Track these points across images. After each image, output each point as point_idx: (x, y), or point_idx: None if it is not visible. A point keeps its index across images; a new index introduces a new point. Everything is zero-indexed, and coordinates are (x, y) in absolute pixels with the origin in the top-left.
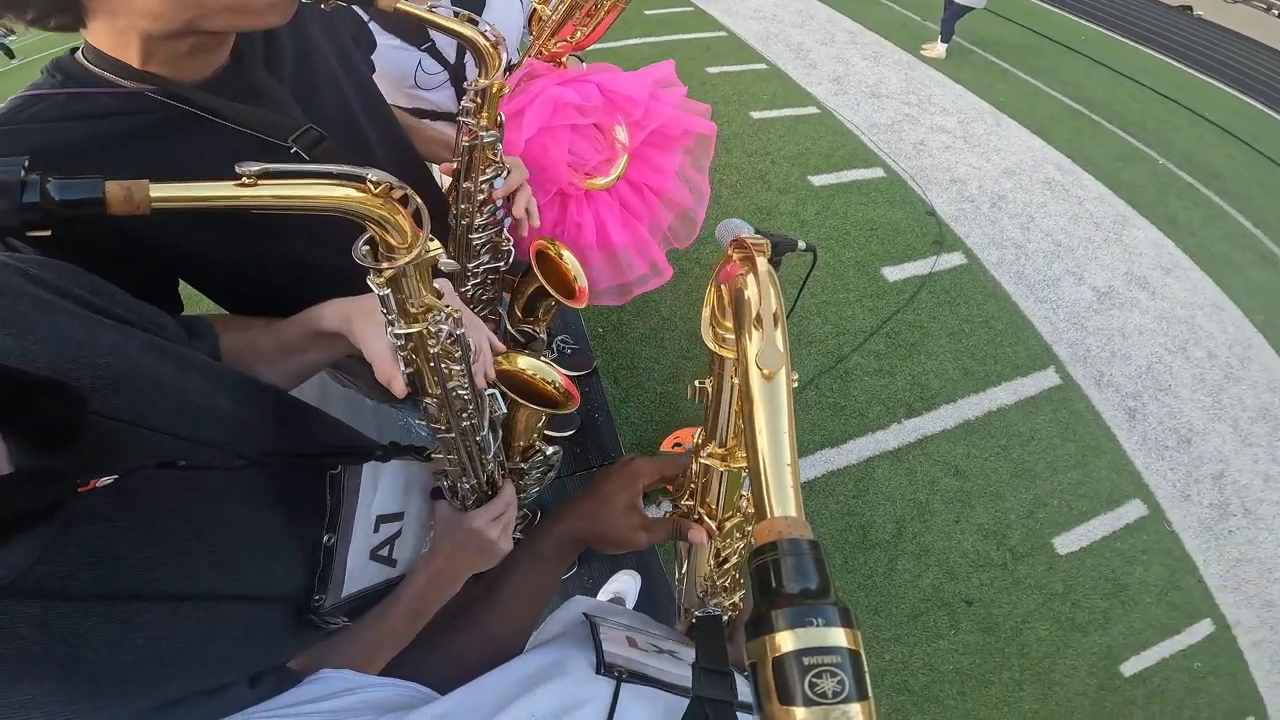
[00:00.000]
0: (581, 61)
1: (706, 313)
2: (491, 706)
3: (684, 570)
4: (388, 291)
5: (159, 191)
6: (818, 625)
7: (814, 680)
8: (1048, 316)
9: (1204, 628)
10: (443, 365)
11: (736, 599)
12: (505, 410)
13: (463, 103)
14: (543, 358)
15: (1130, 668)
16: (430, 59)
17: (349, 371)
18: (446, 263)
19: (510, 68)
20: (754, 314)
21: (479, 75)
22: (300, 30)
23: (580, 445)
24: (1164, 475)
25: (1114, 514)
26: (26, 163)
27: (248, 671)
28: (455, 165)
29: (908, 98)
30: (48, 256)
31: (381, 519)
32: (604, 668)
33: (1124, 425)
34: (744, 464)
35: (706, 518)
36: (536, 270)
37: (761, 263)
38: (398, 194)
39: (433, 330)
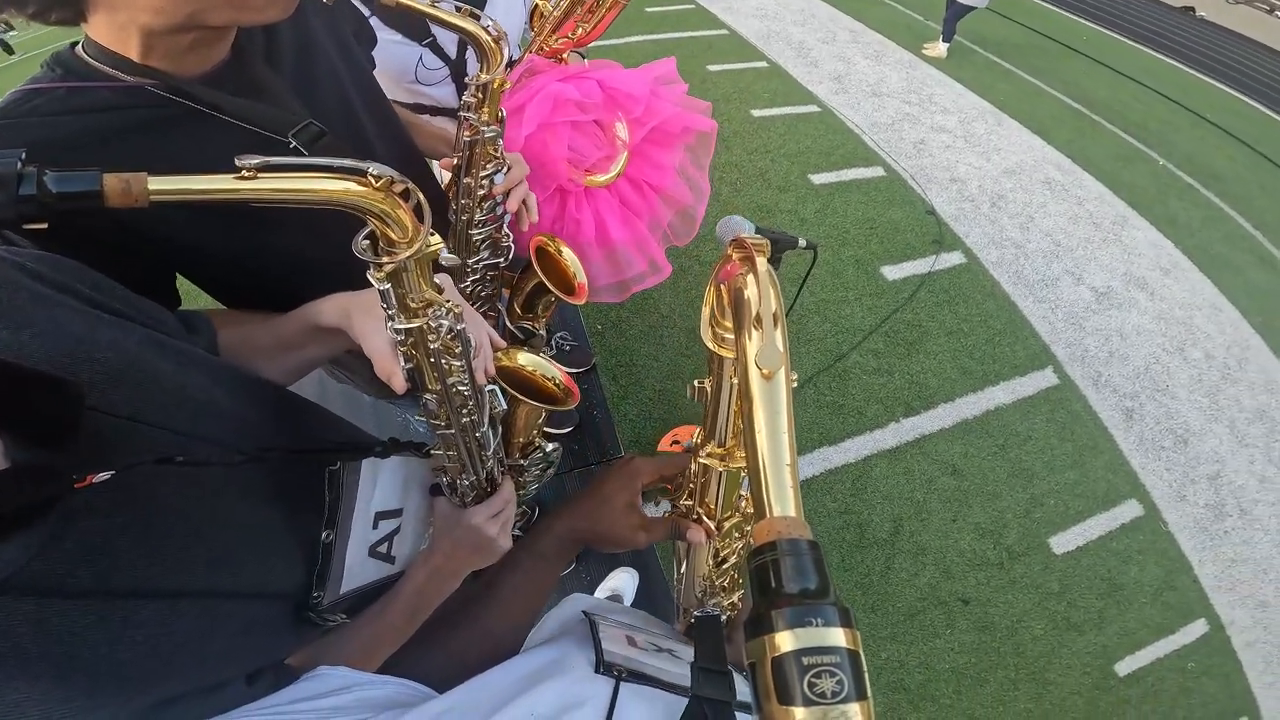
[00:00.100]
0: (583, 58)
1: (706, 312)
2: (490, 705)
3: (683, 570)
4: (388, 286)
5: (157, 184)
6: (817, 625)
7: (813, 680)
8: (1046, 316)
9: (1198, 628)
10: (443, 361)
11: (735, 599)
12: (505, 406)
13: (464, 98)
14: (542, 354)
15: (1124, 667)
16: (431, 54)
17: (347, 368)
18: (448, 257)
19: (511, 64)
20: (754, 314)
21: (480, 70)
22: (301, 25)
23: (579, 442)
24: (1160, 475)
25: (1110, 514)
26: (23, 155)
27: (246, 669)
28: (455, 160)
29: (909, 97)
30: (45, 250)
31: (380, 515)
32: (603, 667)
33: (1121, 425)
34: (743, 464)
35: (705, 517)
36: (536, 266)
37: (761, 263)
38: (399, 188)
39: (433, 325)
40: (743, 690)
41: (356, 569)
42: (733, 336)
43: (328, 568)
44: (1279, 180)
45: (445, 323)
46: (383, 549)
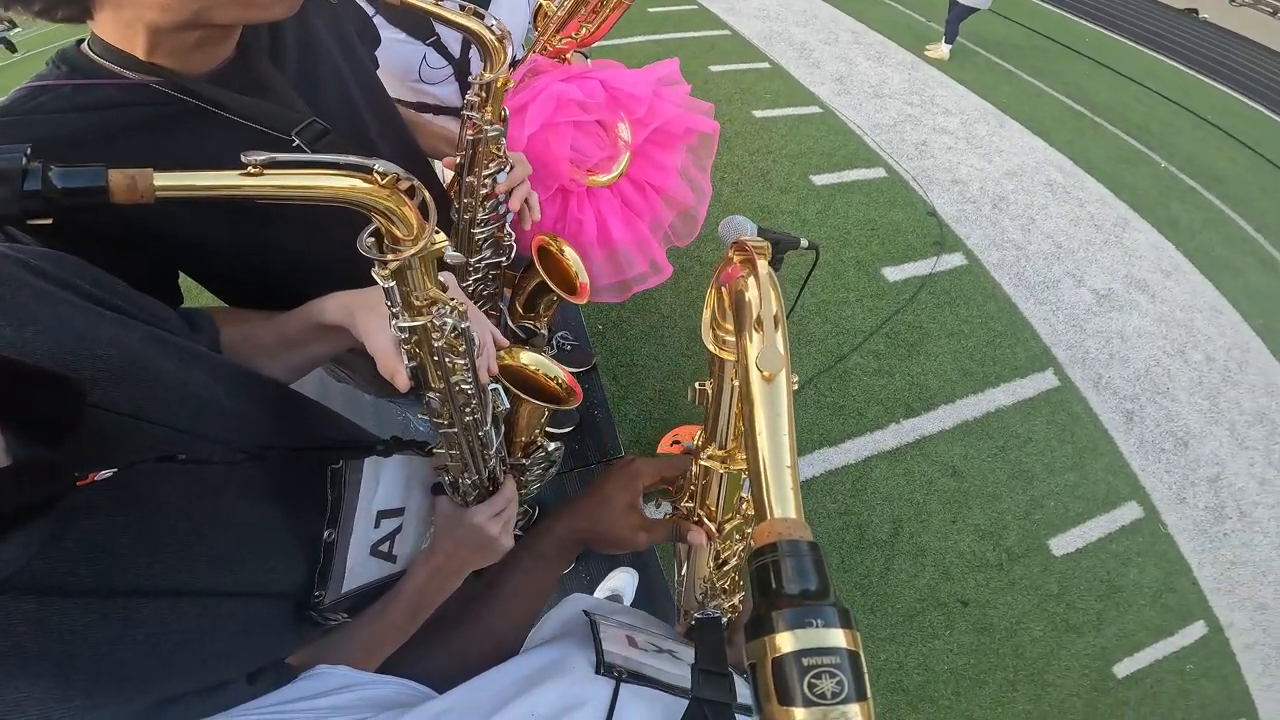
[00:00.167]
0: (586, 58)
1: (707, 315)
2: (490, 705)
3: (683, 572)
4: (392, 284)
5: (163, 180)
6: (817, 626)
7: (813, 681)
8: (1047, 318)
9: (1197, 630)
10: (447, 359)
11: (736, 601)
12: (508, 405)
13: (467, 97)
14: (544, 353)
15: (1123, 669)
16: (435, 53)
17: (348, 366)
18: (452, 255)
19: (515, 63)
20: (754, 316)
21: (484, 69)
22: (304, 23)
23: (579, 442)
24: (1160, 478)
25: (1110, 516)
26: (28, 150)
27: (247, 668)
28: (458, 159)
29: (910, 98)
30: (49, 246)
31: (382, 514)
32: (603, 667)
33: (1121, 427)
34: (744, 466)
35: (706, 520)
36: (538, 266)
37: (762, 265)
38: (404, 185)
39: (437, 324)
40: (743, 692)
41: (358, 568)
42: (734, 339)
43: (329, 566)
44: None
45: (449, 321)
46: (384, 548)
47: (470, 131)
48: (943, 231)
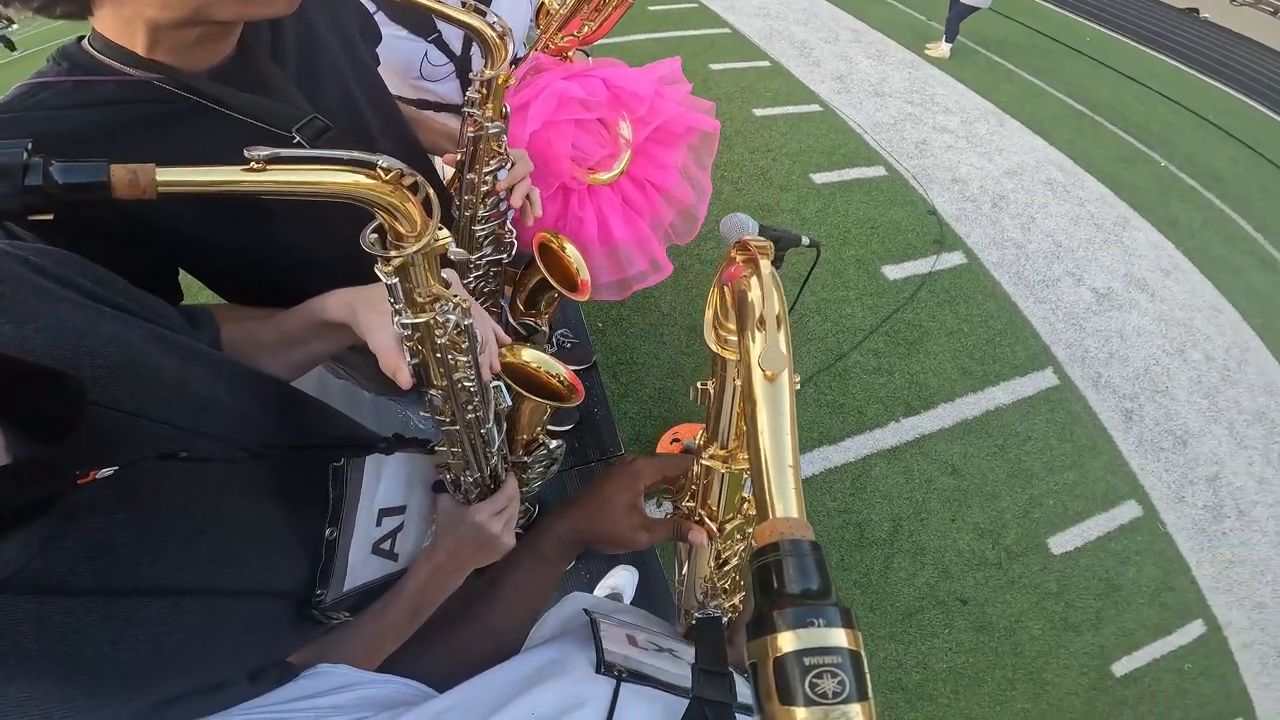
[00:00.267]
0: (587, 56)
1: (710, 314)
2: (490, 705)
3: (684, 571)
4: (396, 280)
5: (165, 176)
6: (819, 626)
7: (815, 680)
8: (1047, 317)
9: (1195, 629)
10: (449, 356)
11: (736, 600)
12: (510, 403)
13: (468, 93)
14: (544, 351)
15: (1122, 668)
16: (436, 50)
17: (348, 364)
18: (456, 251)
19: (516, 61)
20: (757, 316)
21: (485, 66)
22: (304, 20)
23: (579, 440)
24: (1159, 477)
25: (1109, 514)
26: (29, 145)
27: (249, 667)
28: (459, 156)
29: (911, 97)
30: (50, 243)
31: (384, 512)
32: (604, 667)
33: (1120, 426)
34: (745, 466)
35: (707, 519)
36: (539, 263)
37: (765, 265)
38: (408, 181)
39: (440, 320)
40: (743, 692)
41: (359, 566)
42: (736, 338)
43: (331, 565)
44: (1279, 182)
45: (452, 317)
46: (386, 546)
47: (471, 128)
48: (943, 230)
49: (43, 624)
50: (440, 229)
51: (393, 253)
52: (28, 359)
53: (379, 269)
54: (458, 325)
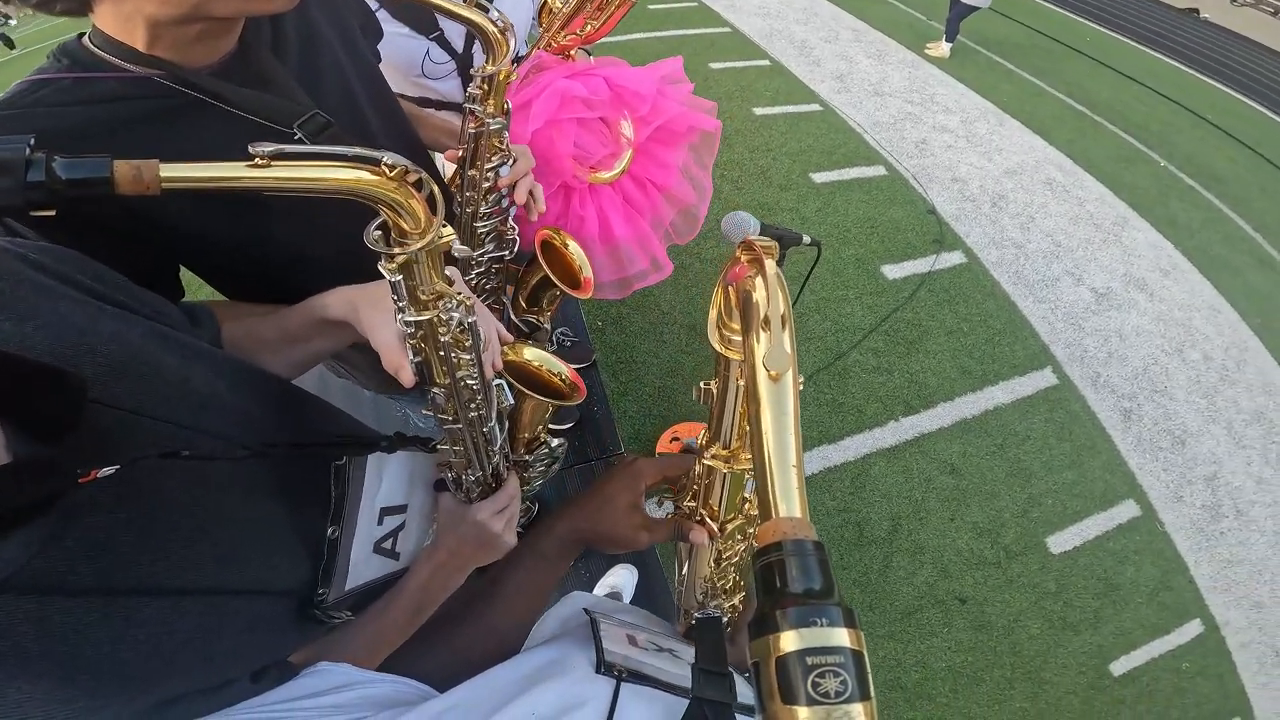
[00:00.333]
0: (589, 55)
1: (713, 314)
2: (491, 704)
3: (684, 571)
4: (399, 278)
5: (169, 172)
6: (821, 625)
7: (817, 680)
8: (1046, 317)
9: (1193, 628)
10: (452, 354)
11: (736, 601)
12: (512, 401)
13: (469, 89)
14: (546, 349)
15: (1120, 667)
16: (438, 48)
17: (349, 362)
18: (460, 249)
19: (518, 59)
20: (762, 316)
21: (487, 62)
22: (305, 16)
23: (579, 438)
24: (1158, 476)
25: (1107, 514)
26: (32, 140)
27: (251, 667)
28: (460, 152)
29: (911, 96)
30: (51, 239)
31: (385, 511)
32: (604, 667)
33: (1119, 426)
34: (747, 466)
35: (708, 519)
36: (541, 260)
37: (770, 265)
38: (412, 178)
39: (443, 318)
40: (743, 692)
41: (361, 565)
42: (740, 338)
43: (333, 564)
44: (1279, 182)
45: (456, 315)
46: (387, 545)
47: (473, 124)
48: (942, 229)
49: (43, 624)
50: (444, 226)
51: (396, 250)
52: (28, 357)
53: (383, 266)
54: (461, 323)
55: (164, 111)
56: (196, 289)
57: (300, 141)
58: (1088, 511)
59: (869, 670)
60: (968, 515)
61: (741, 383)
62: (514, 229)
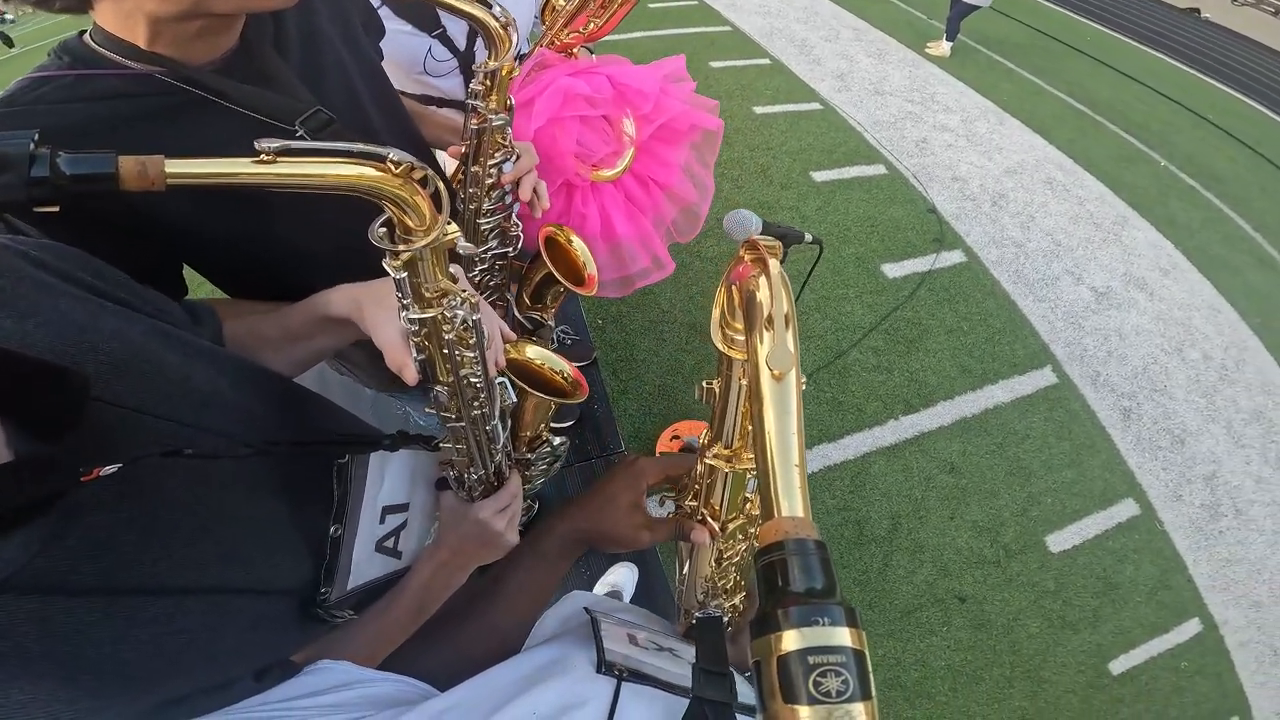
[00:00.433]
0: (591, 53)
1: (716, 313)
2: (491, 704)
3: (685, 571)
4: (404, 275)
5: (174, 168)
6: (823, 625)
7: (818, 679)
8: (1046, 316)
9: (1192, 627)
10: (456, 352)
11: (737, 601)
12: (515, 400)
13: (472, 85)
14: (548, 347)
15: (1118, 666)
16: (440, 46)
17: (350, 360)
18: (464, 246)
19: (521, 57)
20: (765, 315)
21: (489, 57)
22: (306, 13)
23: (579, 437)
24: (1157, 475)
25: (1106, 513)
26: (36, 136)
27: (254, 666)
28: (463, 149)
29: (911, 95)
30: (54, 236)
31: (387, 510)
32: (604, 666)
33: (1119, 425)
34: (749, 465)
35: (710, 519)
36: (545, 256)
37: (774, 264)
38: (417, 175)
39: (448, 315)
40: (744, 692)
41: (363, 564)
42: (743, 338)
43: (335, 562)
44: (1279, 182)
45: (460, 313)
46: (389, 544)
47: (475, 121)
48: (942, 228)
49: (45, 624)
50: (449, 223)
51: (401, 247)
52: (29, 354)
53: (387, 263)
54: (465, 320)
55: (166, 109)
56: (197, 286)
57: (303, 139)
58: (1087, 510)
59: (870, 670)
60: (967, 514)
61: (744, 382)
62: (517, 225)
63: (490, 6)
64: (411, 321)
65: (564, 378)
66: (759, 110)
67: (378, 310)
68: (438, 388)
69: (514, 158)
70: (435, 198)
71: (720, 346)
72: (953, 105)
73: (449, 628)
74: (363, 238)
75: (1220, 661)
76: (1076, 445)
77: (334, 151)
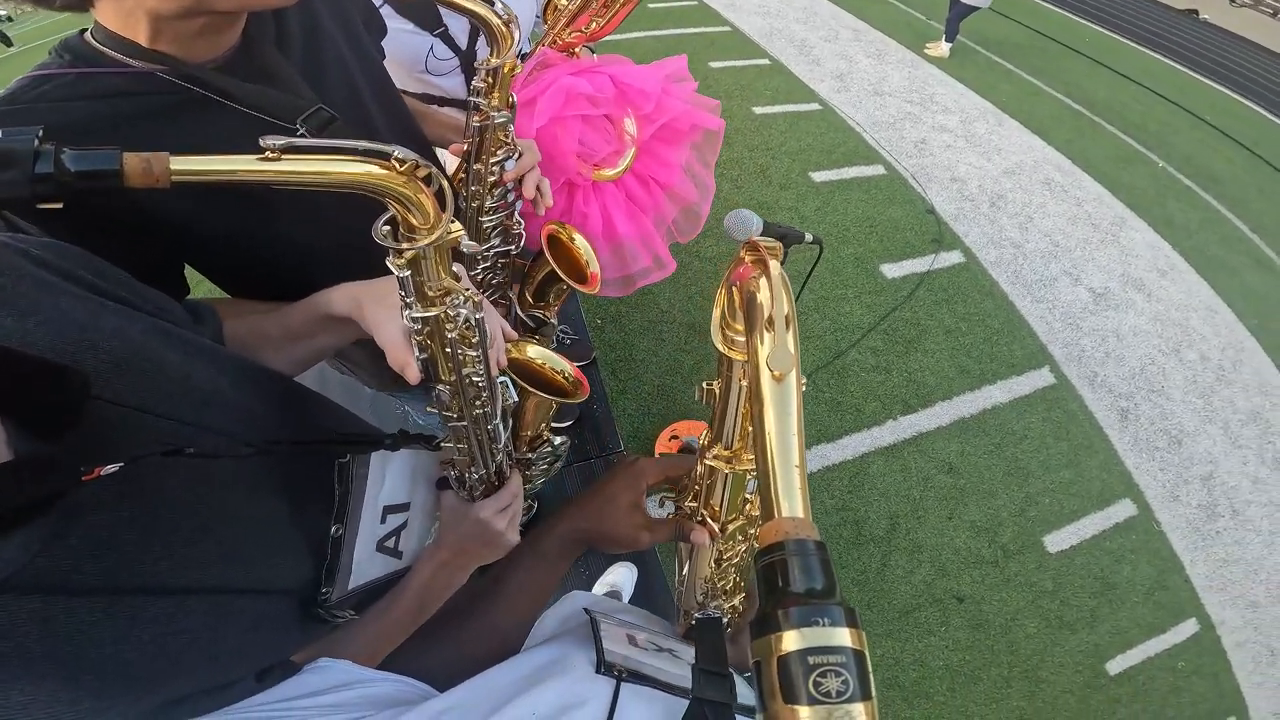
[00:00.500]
0: (592, 53)
1: (717, 314)
2: (491, 704)
3: (684, 572)
4: (408, 273)
5: (179, 165)
6: (823, 625)
7: (818, 679)
8: (1044, 316)
9: (1189, 627)
10: (459, 351)
11: (736, 602)
12: (516, 399)
13: (474, 82)
14: (549, 346)
15: (1116, 666)
16: (442, 44)
17: (349, 359)
18: (468, 244)
19: (523, 56)
20: (766, 316)
21: (491, 54)
22: (308, 11)
23: (578, 437)
24: (1154, 476)
25: (1104, 513)
26: (40, 132)
27: (255, 666)
28: (465, 146)
29: (910, 96)
30: (57, 234)
31: (388, 509)
32: (604, 666)
33: (1116, 425)
34: (749, 466)
35: (709, 519)
36: (548, 254)
37: (774, 266)
38: (422, 173)
39: (451, 314)
40: (743, 693)
41: (364, 564)
42: (743, 339)
43: (336, 562)
44: (1277, 183)
45: (463, 311)
46: (390, 544)
47: (477, 118)
48: (941, 229)
49: (47, 624)
50: (453, 222)
51: (405, 245)
52: (29, 353)
53: (391, 261)
54: (468, 319)
55: (167, 107)
56: (197, 285)
57: (304, 137)
58: (1084, 511)
59: (870, 670)
60: (965, 514)
61: (744, 383)
62: (520, 223)
63: (492, 3)
64: (415, 320)
65: (565, 377)
66: (758, 110)
67: (379, 309)
68: (440, 387)
69: (516, 155)
70: (439, 196)
71: (721, 347)
72: (952, 106)
73: (449, 627)
74: (364, 235)
75: (1217, 662)
76: (1074, 446)
77: (339, 149)
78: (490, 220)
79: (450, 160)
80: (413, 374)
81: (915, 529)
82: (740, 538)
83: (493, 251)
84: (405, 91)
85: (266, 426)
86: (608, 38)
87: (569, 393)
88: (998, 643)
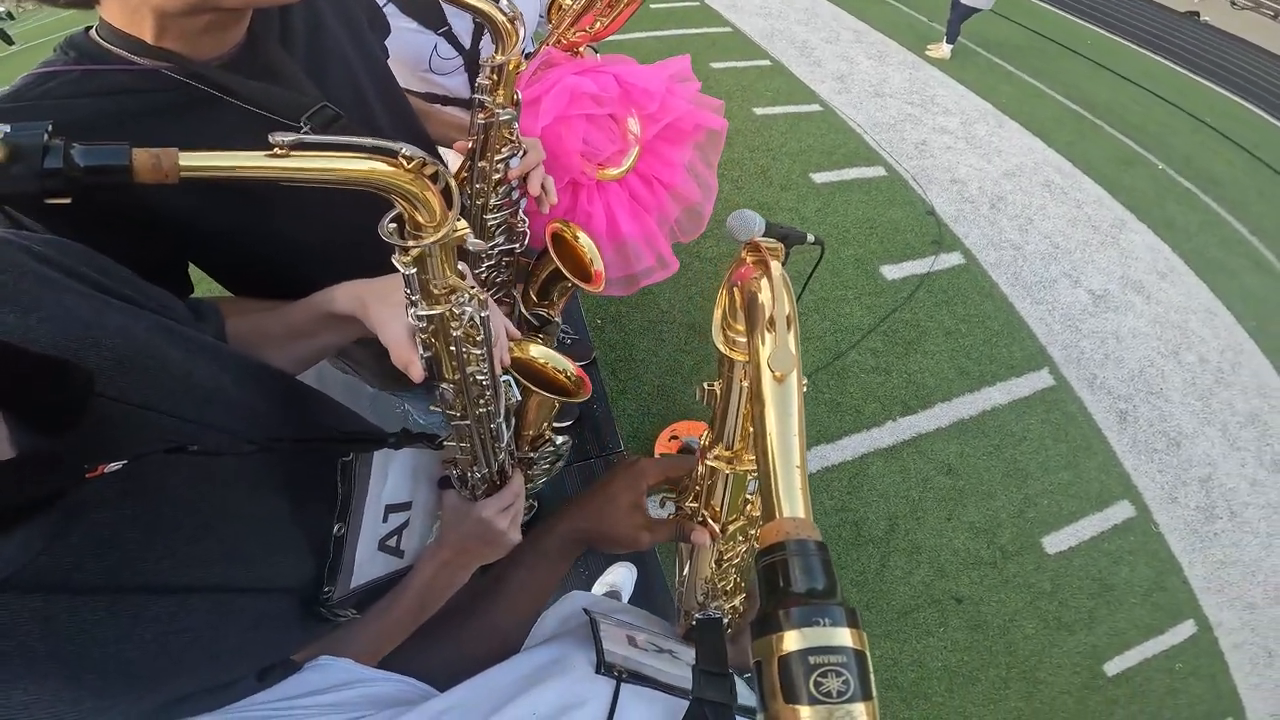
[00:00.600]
0: (596, 53)
1: (718, 315)
2: (491, 704)
3: (684, 572)
4: (413, 271)
5: (188, 160)
6: (824, 625)
7: (819, 680)
8: (1043, 318)
9: (1186, 629)
10: (463, 350)
11: (736, 602)
12: (519, 398)
13: (479, 80)
14: (551, 346)
15: (1113, 667)
16: (445, 43)
17: (351, 357)
18: (474, 243)
19: (527, 56)
20: (767, 316)
21: (496, 52)
22: (312, 9)
23: (578, 436)
24: (1153, 477)
25: (1102, 515)
26: (49, 127)
27: (257, 665)
28: (470, 144)
29: (911, 97)
30: (62, 231)
31: (390, 508)
32: (604, 667)
33: (1115, 427)
34: (750, 467)
35: (710, 520)
36: (552, 252)
37: (775, 266)
38: (429, 170)
39: (455, 312)
40: (743, 693)
41: (366, 563)
42: (744, 339)
43: (339, 561)
44: (1276, 186)
45: (469, 310)
46: (392, 542)
47: (482, 116)
48: (941, 230)
49: (49, 623)
50: (459, 220)
51: (411, 243)
52: (32, 349)
53: (397, 259)
54: (473, 318)
55: (172, 104)
56: (199, 284)
57: (310, 134)
58: (1083, 512)
59: (871, 670)
60: (964, 515)
61: (745, 384)
62: (524, 221)
63: (497, 1)
64: (420, 318)
65: (567, 376)
66: (759, 111)
67: (383, 307)
68: (444, 385)
69: (521, 153)
70: (446, 194)
71: (722, 348)
72: (952, 107)
73: (450, 626)
74: (367, 233)
75: (1214, 663)
76: (1073, 447)
77: (346, 146)
78: (495, 218)
79: (454, 158)
80: (417, 372)
81: (914, 530)
82: (741, 538)
83: (497, 249)
84: (409, 90)
85: (269, 424)
86: (610, 38)
87: (571, 392)
88: (996, 643)
